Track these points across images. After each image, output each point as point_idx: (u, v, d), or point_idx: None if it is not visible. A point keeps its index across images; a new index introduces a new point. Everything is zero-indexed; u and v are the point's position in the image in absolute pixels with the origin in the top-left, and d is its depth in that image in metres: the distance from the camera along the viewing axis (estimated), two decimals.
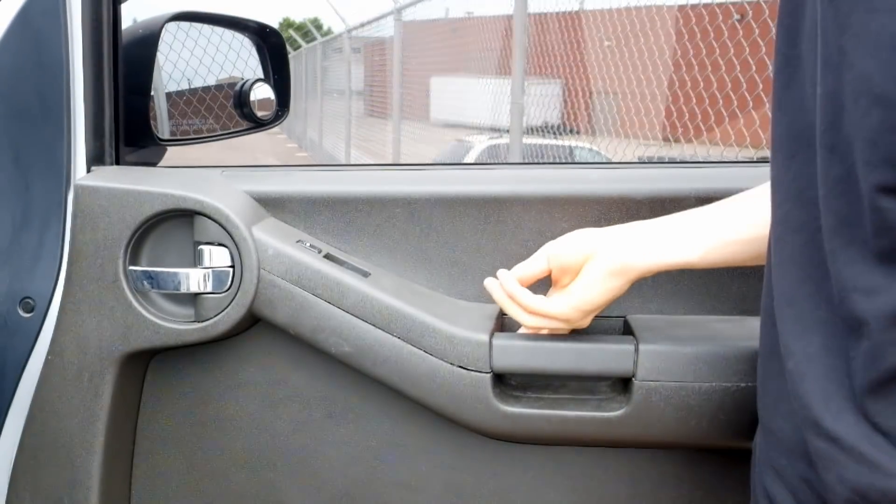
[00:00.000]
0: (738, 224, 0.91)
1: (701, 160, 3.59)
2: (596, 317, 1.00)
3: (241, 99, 1.34)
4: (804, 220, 0.69)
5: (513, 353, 1.00)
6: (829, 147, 0.63)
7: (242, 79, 1.36)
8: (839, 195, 0.62)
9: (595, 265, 0.94)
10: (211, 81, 1.37)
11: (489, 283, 1.00)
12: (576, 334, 1.02)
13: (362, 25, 11.25)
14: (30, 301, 1.07)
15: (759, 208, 0.89)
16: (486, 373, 1.01)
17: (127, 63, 1.15)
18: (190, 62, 1.33)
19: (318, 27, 16.00)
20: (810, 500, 0.69)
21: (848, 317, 0.61)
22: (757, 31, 3.37)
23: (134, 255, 1.06)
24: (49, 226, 1.06)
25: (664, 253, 0.93)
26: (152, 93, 1.21)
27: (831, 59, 0.62)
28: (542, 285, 1.01)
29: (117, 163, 1.14)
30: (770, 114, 0.75)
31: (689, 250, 0.92)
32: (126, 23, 1.16)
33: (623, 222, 0.98)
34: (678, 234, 0.93)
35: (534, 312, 0.98)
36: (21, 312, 1.07)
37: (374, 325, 1.03)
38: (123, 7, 1.13)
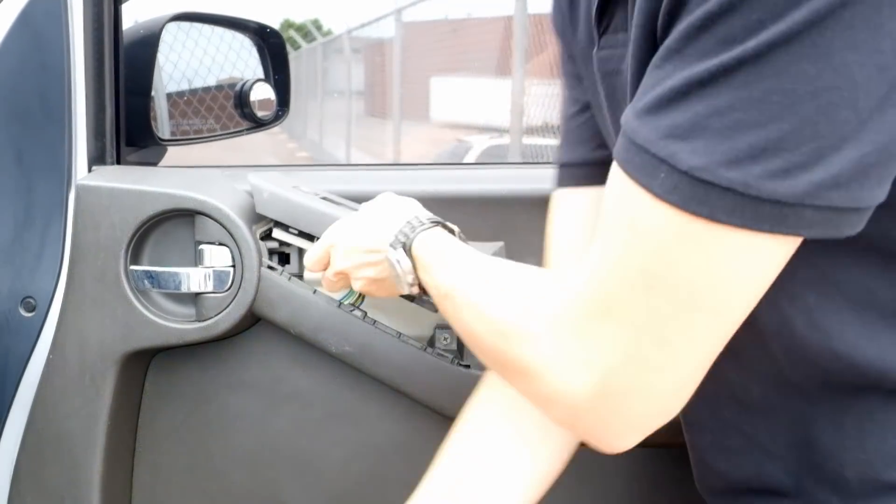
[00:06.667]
0: None
1: None
2: None
3: (241, 99, 1.34)
4: None
5: None
6: None
7: (243, 79, 1.36)
8: None
9: None
10: (211, 81, 1.37)
11: None
12: None
13: (362, 26, 11.25)
14: (31, 300, 1.07)
15: None
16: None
17: (128, 63, 1.15)
18: (191, 62, 1.33)
19: (319, 27, 16.00)
20: None
21: None
22: None
23: (135, 255, 1.06)
24: (50, 225, 1.07)
25: None
26: (153, 93, 1.22)
27: None
28: None
29: (118, 163, 1.15)
30: None
31: None
32: (127, 23, 1.16)
33: None
34: None
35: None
36: (22, 312, 1.07)
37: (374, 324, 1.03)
38: (124, 8, 1.13)
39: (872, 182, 0.52)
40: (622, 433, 0.61)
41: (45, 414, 1.08)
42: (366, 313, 1.03)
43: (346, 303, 1.01)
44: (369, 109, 11.85)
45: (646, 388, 0.58)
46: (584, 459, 1.10)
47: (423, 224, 0.81)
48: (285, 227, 1.05)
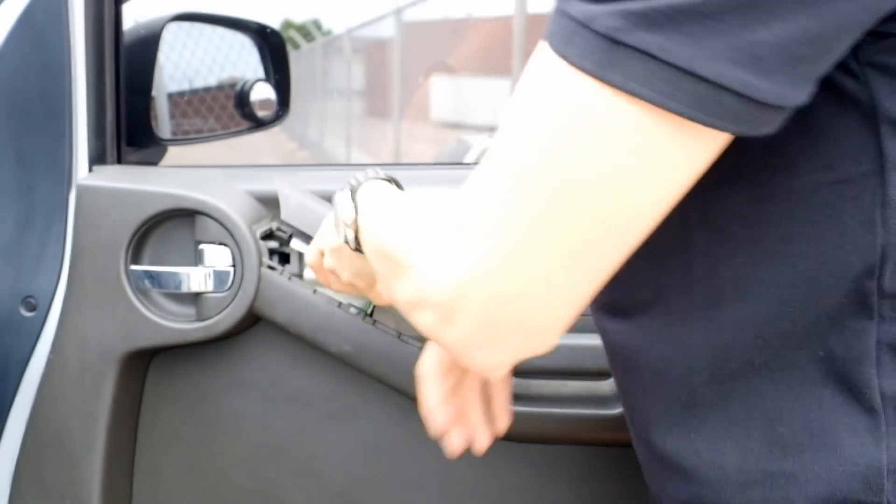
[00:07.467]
0: None
1: None
2: None
3: (241, 99, 1.34)
4: None
5: None
6: None
7: (243, 79, 1.36)
8: None
9: None
10: (212, 81, 1.38)
11: None
12: (576, 333, 1.03)
13: (363, 26, 11.26)
14: (32, 300, 1.07)
15: None
16: None
17: (129, 63, 1.15)
18: (191, 62, 1.33)
19: (319, 27, 16.01)
20: None
21: None
22: None
23: (135, 255, 1.06)
24: (51, 225, 1.07)
25: None
26: (153, 93, 1.22)
27: None
28: None
29: (119, 163, 1.15)
30: None
31: None
32: (128, 24, 1.17)
33: None
34: None
35: None
36: (23, 311, 1.07)
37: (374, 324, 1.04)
38: (125, 8, 1.14)
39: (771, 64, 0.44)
40: (484, 345, 0.57)
41: (46, 413, 1.08)
42: (375, 320, 1.03)
43: (360, 311, 1.02)
44: (369, 109, 11.86)
45: (518, 298, 0.53)
46: (584, 458, 1.10)
47: (377, 175, 0.77)
48: (306, 238, 1.04)
